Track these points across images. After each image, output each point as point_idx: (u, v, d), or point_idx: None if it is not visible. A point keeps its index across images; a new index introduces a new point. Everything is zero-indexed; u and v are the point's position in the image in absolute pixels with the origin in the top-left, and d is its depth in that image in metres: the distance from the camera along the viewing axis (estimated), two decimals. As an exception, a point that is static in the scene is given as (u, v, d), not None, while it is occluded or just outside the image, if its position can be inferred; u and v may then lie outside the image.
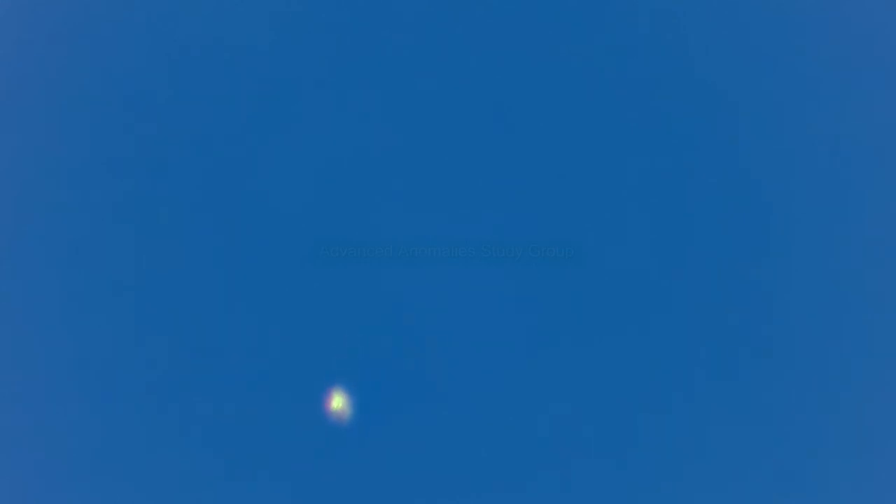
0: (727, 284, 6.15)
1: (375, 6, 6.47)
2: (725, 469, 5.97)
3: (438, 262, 6.18)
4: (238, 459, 6.00)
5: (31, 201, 6.24)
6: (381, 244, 6.19)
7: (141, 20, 6.44)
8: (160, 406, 6.03)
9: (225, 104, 6.37)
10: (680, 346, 6.10)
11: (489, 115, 6.38)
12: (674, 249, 6.19)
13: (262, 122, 6.37)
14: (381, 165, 6.32)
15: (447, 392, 6.09)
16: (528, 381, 6.10)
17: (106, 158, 6.31)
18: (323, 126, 6.38)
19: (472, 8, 6.44)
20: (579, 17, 6.44)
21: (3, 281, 6.15)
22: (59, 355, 6.08)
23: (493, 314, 6.17)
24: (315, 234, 6.22)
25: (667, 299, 6.15)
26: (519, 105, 6.38)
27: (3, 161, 6.28)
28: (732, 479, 5.96)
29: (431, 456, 6.02)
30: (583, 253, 6.16)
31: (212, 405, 6.04)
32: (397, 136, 6.36)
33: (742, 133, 6.32)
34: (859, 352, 6.05)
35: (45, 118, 6.34)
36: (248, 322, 6.15)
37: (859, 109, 6.31)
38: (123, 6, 6.45)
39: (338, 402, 5.61)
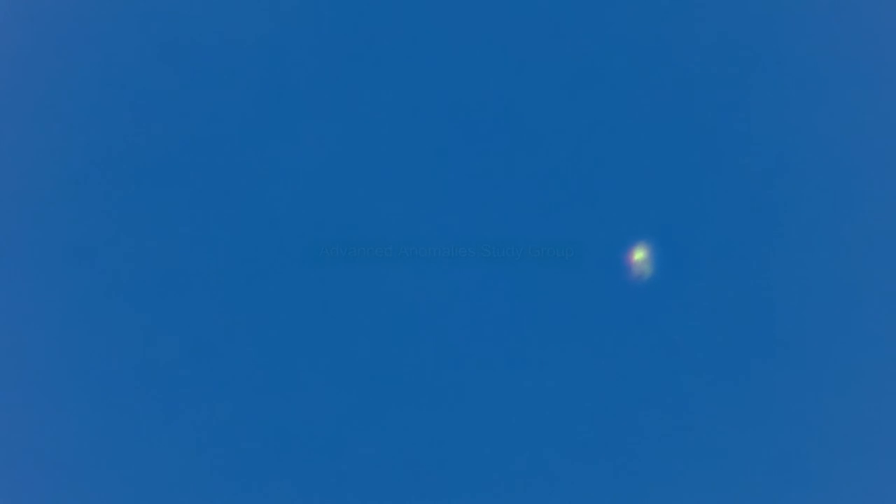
0: (728, 285, 6.15)
1: (375, 6, 6.46)
2: (726, 469, 5.98)
3: (438, 262, 6.18)
4: (238, 459, 6.00)
5: (30, 201, 6.24)
6: (381, 244, 6.19)
7: (140, 20, 6.44)
8: (159, 406, 6.03)
9: (225, 104, 6.37)
10: (680, 347, 6.11)
11: (489, 116, 6.38)
12: (674, 250, 6.19)
13: (263, 122, 6.37)
14: (382, 165, 6.33)
15: (447, 392, 6.09)
16: (527, 380, 6.10)
17: (105, 158, 6.31)
18: (323, 126, 6.38)
19: (472, 8, 6.44)
20: (579, 17, 6.44)
21: (3, 281, 6.15)
22: (58, 355, 6.08)
23: (493, 314, 6.17)
24: (315, 234, 6.22)
25: (667, 300, 6.15)
26: (520, 105, 6.38)
27: (2, 161, 6.27)
28: (733, 479, 5.97)
29: (431, 456, 6.02)
30: (583, 253, 6.17)
31: (211, 405, 6.04)
32: (397, 136, 6.36)
33: (743, 134, 6.32)
34: (860, 352, 6.06)
35: (43, 118, 6.33)
36: (248, 322, 6.15)
37: (862, 109, 6.31)
38: (123, 6, 6.44)
39: (639, 254, 5.51)
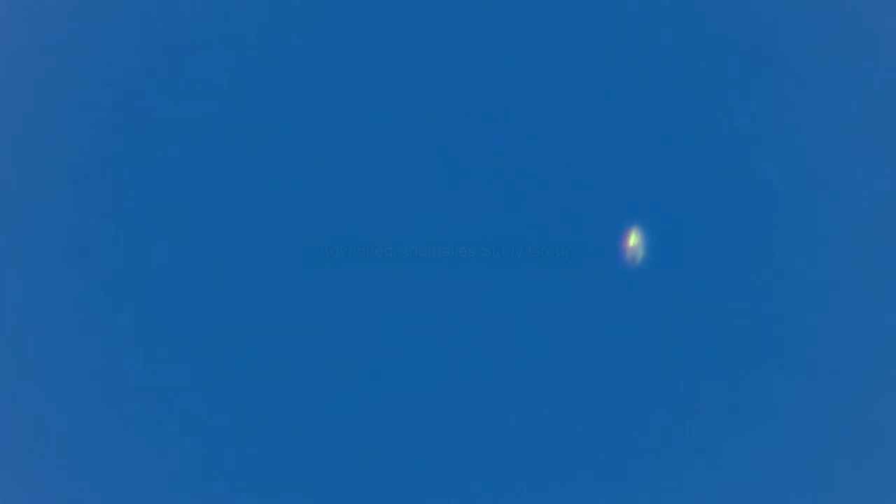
0: (731, 285, 6.15)
1: (376, 6, 6.46)
2: (725, 469, 5.97)
3: (438, 262, 6.17)
4: (239, 460, 6.00)
5: (30, 201, 6.24)
6: (381, 244, 6.19)
7: (140, 20, 6.44)
8: (159, 406, 6.03)
9: (225, 104, 6.37)
10: (682, 347, 6.10)
11: (489, 115, 6.38)
12: (676, 250, 6.19)
13: (263, 122, 6.37)
14: (382, 165, 6.32)
15: (447, 392, 6.09)
16: (527, 380, 6.10)
17: (105, 158, 6.31)
18: (323, 126, 6.38)
19: (472, 8, 6.44)
20: (577, 15, 6.43)
21: (3, 281, 6.15)
22: (58, 355, 6.08)
23: (494, 314, 6.16)
24: (315, 234, 6.22)
25: (668, 301, 6.15)
26: (520, 105, 6.37)
27: (2, 161, 6.28)
28: (732, 479, 5.96)
29: (431, 456, 6.02)
30: (583, 253, 6.16)
31: (211, 405, 6.04)
32: (397, 136, 6.35)
33: (746, 135, 6.31)
34: (860, 352, 6.05)
35: (43, 118, 6.33)
36: (248, 322, 6.15)
37: (863, 109, 6.30)
38: (123, 6, 6.44)
39: (633, 239, 5.53)
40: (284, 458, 6.01)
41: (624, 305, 6.14)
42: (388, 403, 6.07)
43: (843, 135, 6.26)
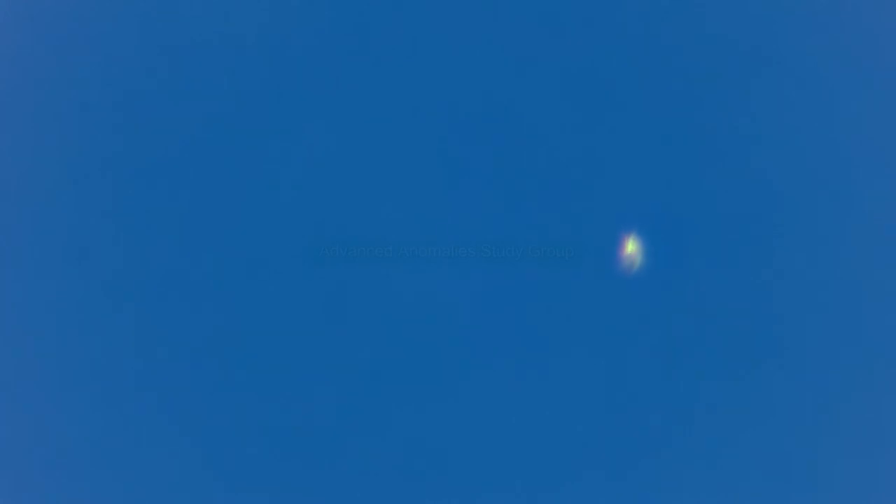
0: (731, 286, 6.14)
1: (376, 6, 6.46)
2: (725, 469, 5.98)
3: (438, 262, 6.17)
4: (239, 460, 6.00)
5: (30, 201, 6.24)
6: (381, 244, 6.19)
7: (140, 20, 6.43)
8: (159, 407, 6.03)
9: (225, 104, 6.37)
10: (682, 347, 6.10)
11: (490, 115, 6.37)
12: (676, 250, 6.19)
13: (263, 122, 6.37)
14: (382, 165, 6.32)
15: (447, 392, 6.09)
16: (527, 381, 6.10)
17: (105, 158, 6.31)
18: (323, 126, 6.38)
19: (472, 8, 6.43)
20: (577, 15, 6.43)
21: (3, 281, 6.15)
22: (58, 356, 6.08)
23: (493, 314, 6.16)
24: (315, 234, 6.22)
25: (667, 300, 6.15)
26: (519, 105, 6.37)
27: (2, 161, 6.28)
28: (732, 479, 5.96)
29: (431, 456, 6.02)
30: (583, 254, 6.16)
31: (211, 405, 6.04)
32: (397, 136, 6.35)
33: (743, 134, 6.31)
34: (860, 352, 6.05)
35: (43, 118, 6.33)
36: (248, 322, 6.15)
37: (863, 108, 6.30)
38: (123, 6, 6.44)
39: (631, 246, 5.54)
40: (284, 458, 6.01)
41: (624, 305, 6.14)
42: (388, 403, 6.07)
43: (843, 135, 6.26)
